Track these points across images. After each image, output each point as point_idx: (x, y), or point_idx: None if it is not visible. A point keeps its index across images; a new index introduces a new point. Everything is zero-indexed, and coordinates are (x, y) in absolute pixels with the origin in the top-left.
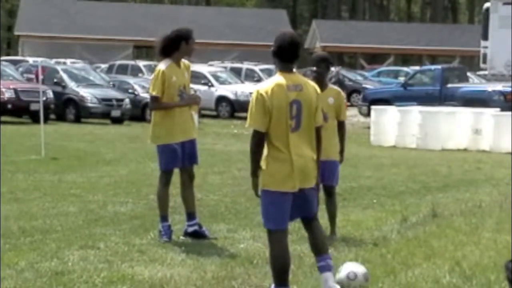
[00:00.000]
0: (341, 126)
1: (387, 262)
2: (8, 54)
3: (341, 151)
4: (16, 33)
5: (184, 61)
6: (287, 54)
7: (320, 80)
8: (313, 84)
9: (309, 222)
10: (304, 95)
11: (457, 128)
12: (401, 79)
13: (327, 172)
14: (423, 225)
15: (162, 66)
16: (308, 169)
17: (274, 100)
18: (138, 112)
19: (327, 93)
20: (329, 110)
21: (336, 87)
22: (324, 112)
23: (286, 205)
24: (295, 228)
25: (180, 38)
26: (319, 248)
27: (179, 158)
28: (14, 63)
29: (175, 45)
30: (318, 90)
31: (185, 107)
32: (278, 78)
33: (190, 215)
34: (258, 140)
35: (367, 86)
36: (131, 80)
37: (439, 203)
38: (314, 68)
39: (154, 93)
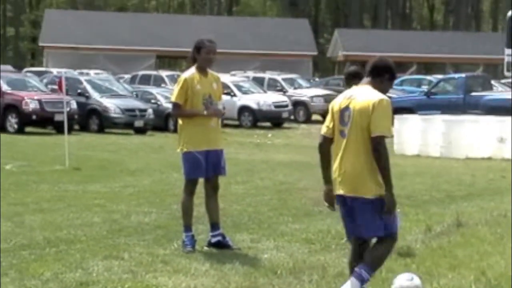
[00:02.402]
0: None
1: (412, 272)
2: (32, 65)
3: None
4: (40, 44)
5: (212, 73)
6: (368, 70)
7: None
8: (370, 94)
9: (361, 245)
10: (354, 103)
11: (481, 137)
12: (424, 87)
13: None
14: (448, 234)
15: (185, 74)
16: (346, 176)
17: (334, 107)
18: (161, 122)
19: None
20: None
21: None
22: None
23: (343, 212)
24: (319, 238)
25: (194, 48)
26: (365, 256)
27: (203, 168)
28: (38, 74)
29: (194, 54)
30: (374, 99)
31: (209, 117)
32: (352, 88)
33: (214, 226)
34: (320, 143)
35: (390, 94)
36: (154, 90)
37: (463, 212)
38: (347, 85)
39: (174, 100)
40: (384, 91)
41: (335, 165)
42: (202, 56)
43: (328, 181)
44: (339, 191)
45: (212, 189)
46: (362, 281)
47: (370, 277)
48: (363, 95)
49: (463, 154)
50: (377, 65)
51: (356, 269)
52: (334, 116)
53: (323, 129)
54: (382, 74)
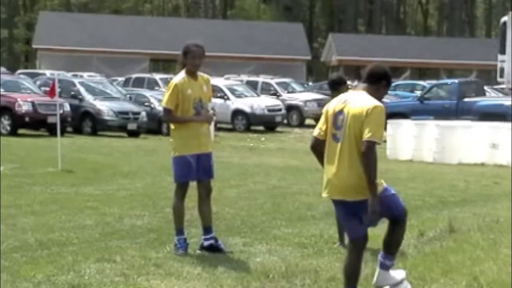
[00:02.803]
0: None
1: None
2: (26, 67)
3: None
4: (34, 46)
5: (202, 75)
6: (365, 76)
7: None
8: (365, 100)
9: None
10: (349, 107)
11: (474, 142)
12: (418, 92)
13: None
14: (440, 240)
15: (175, 79)
16: (337, 180)
17: (329, 110)
18: (155, 125)
19: None
20: None
21: None
22: None
23: (340, 213)
24: (311, 242)
25: (182, 53)
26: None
27: (193, 171)
28: (32, 76)
29: (182, 59)
30: (369, 105)
31: (200, 122)
32: (347, 93)
33: (207, 229)
34: (312, 145)
35: (384, 99)
36: (147, 93)
37: (456, 218)
38: (332, 92)
39: (165, 105)
40: (380, 97)
41: (328, 169)
42: (189, 61)
43: None
44: (333, 196)
45: (205, 193)
46: (388, 268)
47: (394, 262)
48: (358, 101)
49: (456, 160)
50: (374, 71)
51: (380, 259)
52: (328, 119)
53: (316, 131)
54: (379, 81)
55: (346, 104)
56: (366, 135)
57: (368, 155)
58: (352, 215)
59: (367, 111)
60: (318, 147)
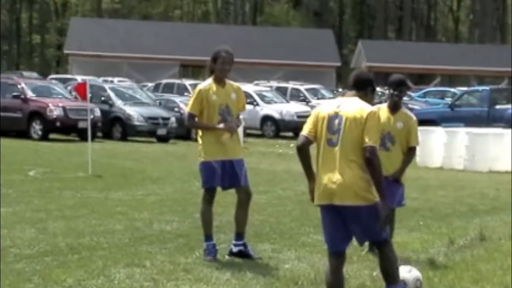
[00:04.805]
0: (409, 151)
1: (434, 286)
2: (57, 72)
3: (399, 171)
4: (65, 51)
5: (232, 83)
6: (350, 84)
7: (395, 103)
8: (361, 104)
9: (378, 247)
10: (345, 112)
11: (505, 150)
12: (448, 99)
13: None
14: (471, 248)
15: (201, 85)
16: (336, 185)
17: (320, 113)
18: (184, 130)
19: (397, 117)
20: (396, 134)
21: (408, 112)
22: (392, 135)
23: (330, 223)
24: None
25: (211, 58)
26: (383, 276)
27: (219, 177)
28: (63, 81)
29: (211, 65)
30: (367, 110)
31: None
32: (339, 98)
33: (239, 235)
34: (303, 143)
35: (414, 106)
36: (177, 98)
37: (487, 226)
38: (394, 92)
39: (189, 110)
40: (369, 103)
41: (324, 174)
42: (218, 66)
43: (313, 178)
44: (332, 201)
45: (244, 198)
46: None
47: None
48: (353, 105)
49: (487, 168)
50: (359, 79)
51: None
52: (320, 123)
53: (305, 130)
54: (366, 87)
55: (341, 109)
56: (368, 141)
57: (373, 160)
58: (342, 225)
59: (367, 116)
60: (306, 147)
